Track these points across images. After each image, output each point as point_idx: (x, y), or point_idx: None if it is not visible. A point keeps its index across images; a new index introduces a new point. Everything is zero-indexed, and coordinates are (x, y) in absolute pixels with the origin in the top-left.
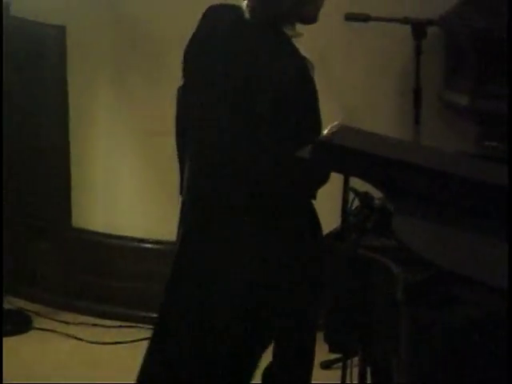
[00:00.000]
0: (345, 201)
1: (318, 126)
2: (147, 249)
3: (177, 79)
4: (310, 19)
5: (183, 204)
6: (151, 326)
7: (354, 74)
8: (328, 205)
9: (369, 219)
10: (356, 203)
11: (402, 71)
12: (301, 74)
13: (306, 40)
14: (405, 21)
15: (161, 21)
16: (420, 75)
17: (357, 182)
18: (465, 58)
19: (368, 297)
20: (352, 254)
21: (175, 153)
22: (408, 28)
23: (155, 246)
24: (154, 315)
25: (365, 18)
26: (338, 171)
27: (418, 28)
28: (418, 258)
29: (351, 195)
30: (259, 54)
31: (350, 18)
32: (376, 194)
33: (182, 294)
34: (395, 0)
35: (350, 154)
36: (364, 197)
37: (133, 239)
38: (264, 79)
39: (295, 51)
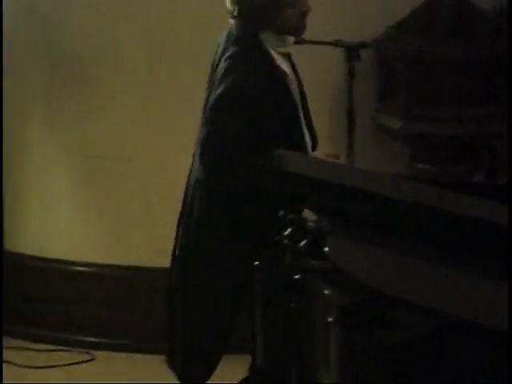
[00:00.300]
0: (279, 223)
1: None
2: (79, 272)
3: (110, 103)
4: (291, 28)
5: None
6: (83, 350)
7: None
8: None
9: (303, 241)
10: (290, 225)
11: (335, 94)
12: (218, 102)
13: None
14: (337, 43)
15: (93, 46)
16: (353, 98)
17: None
18: (397, 81)
19: (303, 319)
20: (286, 276)
21: (107, 176)
22: (341, 51)
23: (87, 269)
24: (86, 338)
25: (297, 41)
26: (272, 194)
27: (351, 51)
28: (351, 280)
29: (285, 217)
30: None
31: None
32: (310, 215)
33: None
34: (328, 23)
35: (282, 177)
36: (297, 219)
37: (65, 262)
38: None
39: (237, 72)
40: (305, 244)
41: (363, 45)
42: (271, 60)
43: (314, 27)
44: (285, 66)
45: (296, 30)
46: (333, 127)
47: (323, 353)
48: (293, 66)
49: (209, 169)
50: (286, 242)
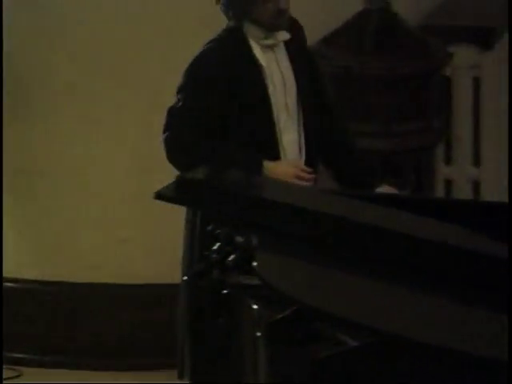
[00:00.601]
0: (207, 239)
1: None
2: (12, 288)
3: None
4: (267, 23)
5: None
6: (10, 366)
7: None
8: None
9: (231, 256)
10: (218, 240)
11: None
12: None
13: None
14: None
15: (27, 58)
16: None
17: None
18: None
19: (231, 334)
20: (214, 292)
21: (43, 192)
22: None
23: (14, 285)
24: (14, 355)
25: None
26: (200, 208)
27: None
28: (280, 294)
29: (213, 232)
30: None
31: None
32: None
33: None
34: None
35: (211, 192)
36: (226, 234)
37: None
38: None
39: (207, 46)
40: (233, 259)
41: None
42: (247, 48)
43: None
44: (264, 58)
45: (272, 26)
46: None
47: (252, 367)
48: (292, 61)
49: (165, 141)
50: (214, 256)
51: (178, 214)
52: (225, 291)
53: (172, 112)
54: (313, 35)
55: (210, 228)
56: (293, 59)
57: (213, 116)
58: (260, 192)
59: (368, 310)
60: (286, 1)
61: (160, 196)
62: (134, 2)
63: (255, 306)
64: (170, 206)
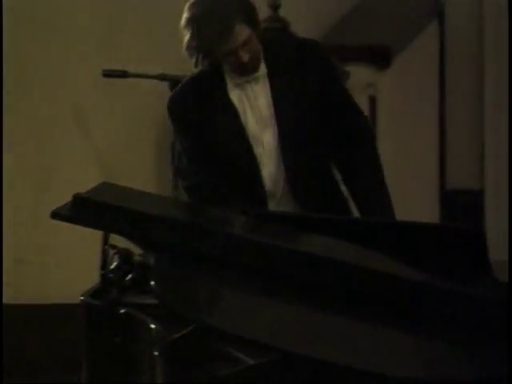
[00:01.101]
0: (104, 257)
1: None
2: None
3: None
4: (232, 71)
5: None
6: None
7: (113, 130)
8: (87, 261)
9: (128, 275)
10: (116, 259)
11: (160, 127)
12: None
13: (63, 96)
14: (162, 77)
15: None
16: None
17: (117, 238)
18: None
19: (129, 353)
20: (112, 311)
21: None
22: (166, 84)
23: None
24: None
25: (122, 75)
26: (97, 227)
27: (176, 84)
28: (177, 314)
29: (111, 251)
30: None
31: (108, 74)
32: (136, 250)
33: None
34: (153, 56)
35: (108, 210)
36: (124, 253)
37: None
38: None
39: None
40: (130, 278)
41: None
42: (222, 86)
43: (140, 61)
44: (236, 96)
45: (241, 73)
46: (159, 160)
47: None
48: (276, 89)
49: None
50: (111, 276)
51: (77, 233)
52: (122, 310)
53: (177, 163)
54: None
55: (106, 247)
56: (277, 87)
57: (208, 155)
58: (157, 210)
59: (266, 328)
60: (245, 54)
61: (56, 215)
62: None
63: (153, 326)
64: (68, 225)
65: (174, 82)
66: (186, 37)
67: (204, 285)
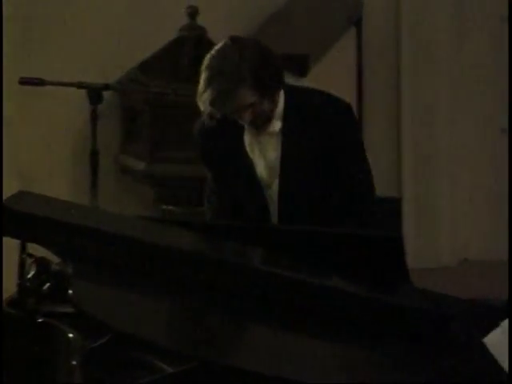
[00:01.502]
0: (21, 266)
1: None
2: None
3: None
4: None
5: None
6: None
7: (30, 138)
8: (4, 270)
9: (46, 284)
10: (33, 268)
11: (78, 135)
12: None
13: None
14: (80, 85)
15: None
16: (97, 139)
17: (34, 247)
18: (140, 123)
19: (50, 363)
20: (30, 321)
21: None
22: (84, 92)
23: None
24: None
25: (39, 82)
26: (14, 236)
27: (94, 92)
28: (95, 322)
29: (28, 260)
30: None
31: (25, 81)
32: (54, 258)
33: None
34: (71, 64)
35: (25, 219)
36: (41, 262)
37: None
38: None
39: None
40: (48, 287)
41: (106, 87)
42: (240, 130)
43: (57, 68)
44: (249, 143)
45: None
46: (76, 169)
47: None
48: (284, 149)
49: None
50: (29, 285)
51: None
52: (40, 320)
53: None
54: (128, 62)
55: (24, 256)
56: (288, 147)
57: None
58: (74, 219)
59: (186, 336)
60: (248, 116)
61: None
62: None
63: (71, 335)
64: None
65: (91, 90)
66: (199, 88)
67: (122, 293)
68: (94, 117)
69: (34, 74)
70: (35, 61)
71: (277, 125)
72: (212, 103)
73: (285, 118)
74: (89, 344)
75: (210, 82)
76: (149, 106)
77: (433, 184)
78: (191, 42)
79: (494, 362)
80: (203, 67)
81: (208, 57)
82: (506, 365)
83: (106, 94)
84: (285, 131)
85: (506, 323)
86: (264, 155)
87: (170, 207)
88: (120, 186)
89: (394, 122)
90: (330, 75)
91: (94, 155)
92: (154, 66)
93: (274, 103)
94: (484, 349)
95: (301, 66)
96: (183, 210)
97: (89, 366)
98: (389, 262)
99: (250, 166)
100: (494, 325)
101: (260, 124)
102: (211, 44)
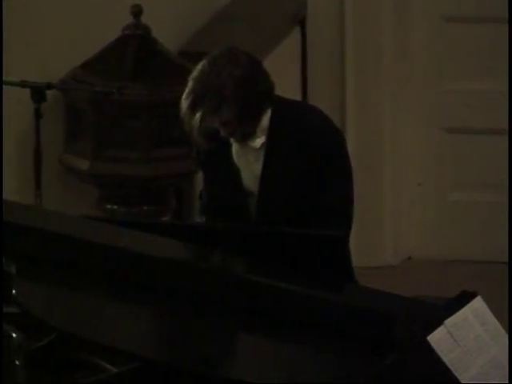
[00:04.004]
0: None
1: None
2: None
3: None
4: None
5: None
6: None
7: None
8: None
9: None
10: None
11: (22, 134)
12: None
13: None
14: (23, 84)
15: None
16: (40, 139)
17: None
18: (84, 122)
19: None
20: None
21: None
22: (27, 91)
23: None
24: None
25: None
26: None
27: (37, 91)
28: (39, 322)
29: None
30: None
31: None
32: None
33: None
34: (13, 63)
35: None
36: None
37: None
38: None
39: None
40: None
41: (49, 86)
42: (227, 147)
43: None
44: (236, 156)
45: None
46: (20, 168)
47: None
48: (266, 164)
49: None
50: None
51: None
52: None
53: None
54: (71, 61)
55: None
56: (270, 161)
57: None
58: (18, 219)
59: (129, 336)
60: (225, 131)
61: None
62: None
63: (14, 335)
64: None
65: (35, 88)
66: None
67: (65, 293)
68: (38, 116)
69: None
70: None
71: (258, 141)
72: (189, 108)
73: (270, 133)
74: (32, 344)
75: (193, 94)
76: (92, 105)
77: (377, 183)
78: (135, 41)
79: (438, 360)
80: (191, 76)
81: (198, 67)
82: (451, 364)
83: (50, 93)
84: (268, 147)
85: (450, 321)
86: (249, 166)
87: (115, 207)
88: (64, 185)
89: (338, 121)
90: (275, 74)
91: (38, 154)
92: (98, 65)
93: (257, 121)
94: (428, 347)
95: None
96: (128, 209)
97: (32, 366)
98: (333, 260)
99: (235, 172)
100: (437, 323)
101: (240, 139)
102: (155, 43)
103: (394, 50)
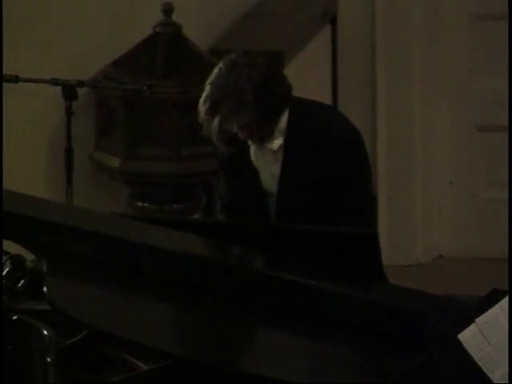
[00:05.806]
0: None
1: None
2: None
3: None
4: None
5: None
6: None
7: (5, 135)
8: None
9: (20, 282)
10: (8, 265)
11: (53, 132)
12: None
13: None
14: (54, 82)
15: None
16: (71, 136)
17: (9, 244)
18: (115, 120)
19: (24, 361)
20: (4, 318)
21: None
22: (58, 89)
23: None
24: None
25: (13, 79)
26: None
27: (68, 89)
28: (70, 320)
29: (3, 257)
30: None
31: None
32: (28, 255)
33: None
34: (45, 60)
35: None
36: (16, 259)
37: None
38: None
39: None
40: (22, 284)
41: (80, 84)
42: (246, 148)
43: (31, 65)
44: (254, 156)
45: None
46: (51, 166)
47: None
48: (284, 166)
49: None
50: (3, 282)
51: None
52: (14, 317)
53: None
54: (102, 59)
55: None
56: (288, 164)
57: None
58: (49, 216)
59: (160, 334)
60: (243, 134)
61: None
62: None
63: (45, 332)
64: None
65: (66, 86)
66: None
67: (96, 291)
68: (69, 114)
69: (9, 71)
70: (10, 58)
71: (276, 143)
72: (208, 113)
73: (287, 134)
74: (63, 341)
75: (211, 98)
76: (123, 103)
77: (408, 181)
78: (166, 39)
79: (468, 358)
80: (208, 81)
81: (215, 71)
82: (481, 363)
83: (81, 91)
84: (286, 148)
85: (480, 320)
86: (267, 167)
87: (146, 204)
88: (95, 183)
89: (369, 121)
90: (305, 72)
91: (69, 152)
92: (129, 63)
93: (274, 123)
94: (459, 345)
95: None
96: (159, 207)
97: (63, 363)
98: (364, 259)
99: (254, 173)
100: (468, 321)
101: (258, 141)
102: (186, 41)
103: (425, 48)
